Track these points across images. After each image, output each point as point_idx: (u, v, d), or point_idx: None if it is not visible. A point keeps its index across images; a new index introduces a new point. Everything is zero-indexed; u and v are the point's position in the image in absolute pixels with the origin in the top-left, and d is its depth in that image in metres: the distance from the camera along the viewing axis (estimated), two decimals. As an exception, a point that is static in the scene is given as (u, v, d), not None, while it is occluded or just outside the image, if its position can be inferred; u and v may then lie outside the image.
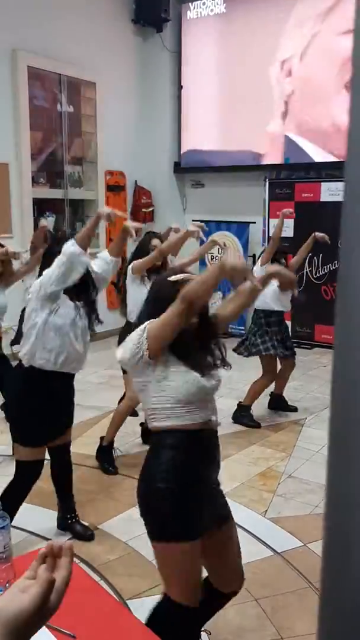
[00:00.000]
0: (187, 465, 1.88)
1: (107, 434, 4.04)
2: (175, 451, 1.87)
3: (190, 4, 7.64)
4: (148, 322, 1.84)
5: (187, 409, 1.87)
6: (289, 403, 5.01)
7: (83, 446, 4.26)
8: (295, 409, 5.00)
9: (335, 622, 0.64)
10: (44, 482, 3.59)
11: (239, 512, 3.33)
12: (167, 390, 1.86)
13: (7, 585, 1.56)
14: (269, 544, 3.05)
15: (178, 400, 1.86)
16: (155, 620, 1.86)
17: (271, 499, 3.50)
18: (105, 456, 3.98)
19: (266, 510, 3.38)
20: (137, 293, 3.80)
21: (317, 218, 6.72)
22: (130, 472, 3.86)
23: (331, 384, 0.66)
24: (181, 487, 1.85)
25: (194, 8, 7.61)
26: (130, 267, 3.94)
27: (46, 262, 2.75)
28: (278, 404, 5.02)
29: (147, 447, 4.06)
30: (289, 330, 5.11)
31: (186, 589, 1.87)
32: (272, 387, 4.94)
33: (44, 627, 1.42)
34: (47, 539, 3.06)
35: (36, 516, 3.20)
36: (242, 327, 7.43)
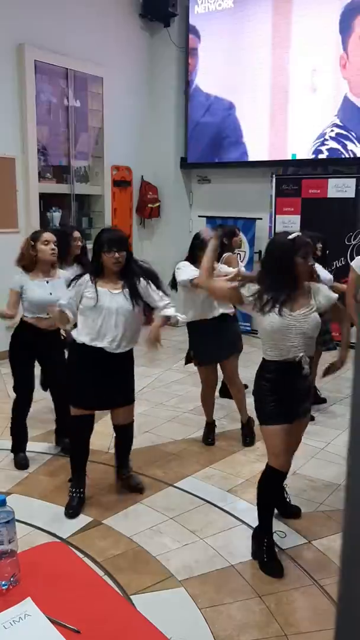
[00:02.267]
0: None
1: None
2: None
3: (197, -2, 7.61)
4: None
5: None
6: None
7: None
8: (324, 400, 5.12)
9: (353, 631, 0.63)
10: (49, 477, 3.61)
11: (244, 509, 3.34)
12: None
13: (11, 579, 1.56)
14: (283, 538, 3.04)
15: None
16: (260, 481, 2.86)
17: (276, 496, 3.50)
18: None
19: (271, 507, 3.37)
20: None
21: (324, 214, 6.71)
22: (135, 467, 3.86)
23: (352, 393, 0.65)
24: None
25: (202, 3, 7.58)
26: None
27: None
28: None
29: (146, 447, 4.07)
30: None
31: (277, 457, 2.77)
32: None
33: (48, 622, 1.42)
34: (52, 534, 3.07)
35: (41, 511, 3.21)
36: (248, 324, 7.43)
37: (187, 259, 4.21)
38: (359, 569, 0.62)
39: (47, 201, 6.71)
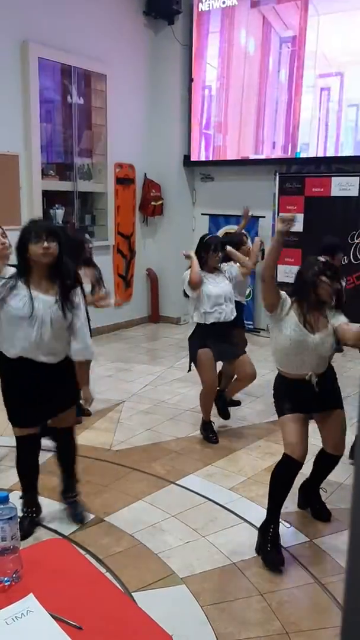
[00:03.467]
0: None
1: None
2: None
3: (201, -5, 7.60)
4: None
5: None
6: None
7: (90, 438, 4.28)
8: None
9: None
10: (51, 475, 3.61)
11: (245, 507, 3.34)
12: None
13: (13, 576, 1.57)
14: (288, 529, 3.04)
15: None
16: (274, 471, 2.92)
17: (278, 494, 3.50)
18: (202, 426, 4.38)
19: (272, 505, 3.37)
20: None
21: (328, 213, 6.70)
22: (137, 465, 3.87)
23: None
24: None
25: (206, 0, 7.57)
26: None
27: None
28: None
29: (148, 445, 4.07)
30: None
31: (291, 445, 2.85)
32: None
33: (50, 618, 1.43)
34: (54, 531, 3.07)
35: (43, 508, 3.21)
36: (250, 322, 7.43)
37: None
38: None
39: (50, 198, 6.71)
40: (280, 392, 3.03)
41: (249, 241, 5.20)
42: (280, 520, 2.94)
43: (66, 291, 2.83)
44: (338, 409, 3.05)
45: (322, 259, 2.87)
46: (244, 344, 4.81)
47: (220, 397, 4.56)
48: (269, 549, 2.85)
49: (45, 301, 2.78)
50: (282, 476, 2.89)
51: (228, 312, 4.22)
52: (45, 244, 2.72)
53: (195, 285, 4.09)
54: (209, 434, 4.32)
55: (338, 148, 6.76)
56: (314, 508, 3.27)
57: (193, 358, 4.24)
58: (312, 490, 3.29)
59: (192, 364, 4.28)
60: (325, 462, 3.16)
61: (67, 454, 3.23)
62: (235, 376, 4.50)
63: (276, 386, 3.07)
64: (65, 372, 2.97)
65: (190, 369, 4.35)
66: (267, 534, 2.87)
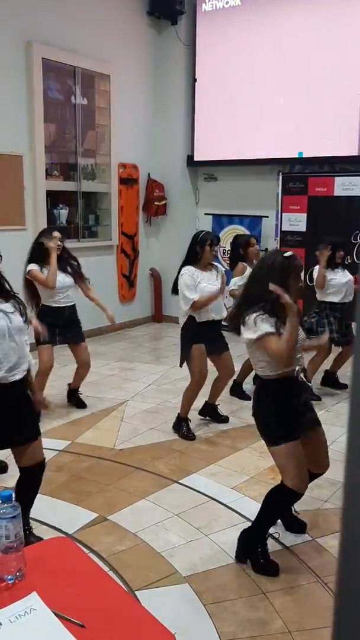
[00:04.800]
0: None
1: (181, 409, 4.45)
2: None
3: (205, -4, 7.60)
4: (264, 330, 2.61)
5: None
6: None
7: (94, 438, 4.29)
8: (345, 386, 5.31)
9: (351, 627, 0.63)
10: (55, 473, 3.63)
11: (249, 506, 3.35)
12: None
13: (17, 574, 1.58)
14: (278, 538, 3.06)
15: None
16: (270, 500, 2.79)
17: (280, 494, 3.51)
18: (177, 423, 4.42)
19: (275, 505, 3.38)
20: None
21: (331, 212, 6.70)
22: (140, 464, 3.89)
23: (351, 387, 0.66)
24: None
25: (209, 0, 7.57)
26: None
27: None
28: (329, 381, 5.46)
29: (152, 444, 4.08)
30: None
31: (292, 478, 2.68)
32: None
33: (53, 616, 1.44)
34: (57, 529, 3.09)
35: (47, 506, 3.22)
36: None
37: (187, 261, 4.28)
38: (357, 566, 0.63)
39: (54, 199, 6.73)
40: (267, 415, 2.76)
41: (257, 245, 5.30)
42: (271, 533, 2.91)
43: (16, 296, 2.73)
44: (319, 427, 2.88)
45: (287, 254, 2.73)
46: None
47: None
48: (262, 561, 2.79)
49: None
50: (283, 508, 2.91)
51: (221, 309, 4.34)
52: None
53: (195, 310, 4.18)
54: (186, 430, 4.36)
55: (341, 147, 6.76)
56: (287, 521, 3.13)
57: (187, 353, 4.28)
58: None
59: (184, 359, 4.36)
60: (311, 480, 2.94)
61: (32, 490, 2.88)
62: (217, 375, 4.56)
63: (259, 409, 2.81)
64: (24, 393, 2.76)
65: (182, 364, 4.40)
66: (257, 550, 2.81)
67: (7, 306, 2.63)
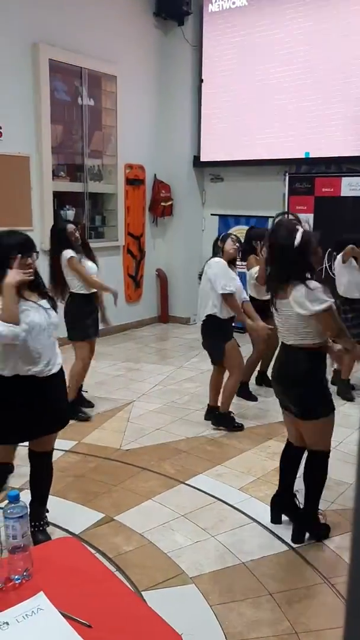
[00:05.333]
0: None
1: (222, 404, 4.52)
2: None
3: (211, -4, 7.60)
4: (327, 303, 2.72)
5: None
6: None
7: (100, 437, 4.30)
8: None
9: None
10: (61, 473, 3.64)
11: (255, 507, 3.35)
12: None
13: (24, 574, 1.59)
14: (285, 539, 3.05)
15: None
16: (315, 472, 2.98)
17: (287, 494, 3.50)
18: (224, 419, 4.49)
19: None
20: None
21: (338, 213, 6.68)
22: (146, 464, 3.89)
23: None
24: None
25: (216, 1, 7.56)
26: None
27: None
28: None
29: (158, 444, 4.08)
30: None
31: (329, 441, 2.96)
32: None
33: (60, 616, 1.44)
34: (64, 529, 3.09)
35: (53, 506, 3.23)
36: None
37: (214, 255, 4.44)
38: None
39: (60, 199, 6.74)
40: (324, 383, 2.91)
41: None
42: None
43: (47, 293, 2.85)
44: None
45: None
46: None
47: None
48: (324, 529, 3.06)
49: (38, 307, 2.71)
50: (326, 469, 3.03)
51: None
52: (29, 260, 2.65)
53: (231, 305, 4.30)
54: (236, 423, 4.49)
55: (348, 148, 6.74)
56: (292, 514, 3.19)
57: (222, 350, 4.35)
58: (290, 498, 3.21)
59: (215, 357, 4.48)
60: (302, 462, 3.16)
61: (49, 478, 3.02)
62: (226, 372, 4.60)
63: (318, 378, 2.89)
64: (62, 385, 2.92)
65: (217, 362, 4.49)
66: (317, 520, 3.06)
67: (45, 302, 2.72)
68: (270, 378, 5.07)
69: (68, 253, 4.38)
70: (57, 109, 6.57)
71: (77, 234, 4.54)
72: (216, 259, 4.33)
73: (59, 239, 4.47)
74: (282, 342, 2.97)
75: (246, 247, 5.16)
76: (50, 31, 6.25)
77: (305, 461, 3.05)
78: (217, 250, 4.38)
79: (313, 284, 2.74)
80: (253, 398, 5.07)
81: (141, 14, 7.51)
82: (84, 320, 4.50)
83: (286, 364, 2.94)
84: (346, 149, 6.70)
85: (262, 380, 5.43)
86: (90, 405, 4.86)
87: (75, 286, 4.45)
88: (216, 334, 4.35)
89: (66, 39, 6.42)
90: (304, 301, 2.73)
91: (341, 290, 5.15)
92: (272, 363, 5.07)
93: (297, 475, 3.16)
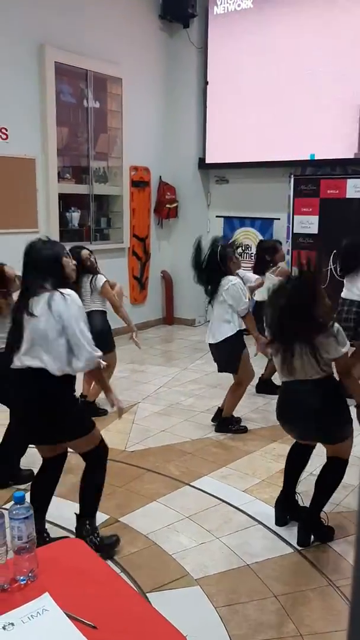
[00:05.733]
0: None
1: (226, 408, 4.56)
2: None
3: (217, -1, 7.62)
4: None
5: None
6: None
7: (105, 439, 4.29)
8: None
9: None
10: (66, 475, 3.63)
11: (260, 509, 3.35)
12: None
13: (29, 575, 1.59)
14: (290, 541, 3.05)
15: None
16: (328, 477, 3.04)
17: (292, 497, 3.50)
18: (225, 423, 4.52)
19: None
20: None
21: (343, 215, 6.67)
22: (151, 466, 3.89)
23: None
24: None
25: (221, 3, 7.58)
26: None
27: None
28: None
29: (163, 446, 4.07)
30: None
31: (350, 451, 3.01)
32: None
33: (65, 617, 1.45)
34: (69, 530, 3.10)
35: (58, 508, 3.23)
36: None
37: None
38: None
39: (66, 201, 6.76)
40: (344, 411, 2.92)
41: (283, 249, 5.37)
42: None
43: None
44: None
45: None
46: None
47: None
48: (327, 531, 3.07)
49: None
50: (342, 476, 3.08)
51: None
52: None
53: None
54: (239, 426, 4.53)
55: (353, 150, 6.73)
56: (294, 513, 3.21)
57: (239, 361, 4.41)
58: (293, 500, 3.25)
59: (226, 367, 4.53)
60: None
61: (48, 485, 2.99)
62: (236, 383, 4.58)
63: (337, 403, 2.91)
64: None
65: (237, 371, 4.50)
66: (322, 523, 3.06)
67: None
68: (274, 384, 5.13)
69: (102, 278, 4.63)
70: (63, 111, 6.59)
71: (92, 258, 4.65)
72: (231, 278, 4.34)
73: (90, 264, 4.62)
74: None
75: (259, 263, 5.23)
76: (56, 34, 6.27)
77: (323, 466, 3.08)
78: (222, 265, 4.34)
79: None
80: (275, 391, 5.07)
81: (146, 16, 7.53)
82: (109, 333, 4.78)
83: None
84: (351, 151, 6.70)
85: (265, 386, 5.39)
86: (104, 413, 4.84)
87: (98, 303, 4.68)
88: (234, 347, 4.38)
89: (72, 42, 6.44)
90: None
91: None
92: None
93: (303, 477, 3.16)
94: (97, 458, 2.87)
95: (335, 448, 3.01)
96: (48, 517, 3.12)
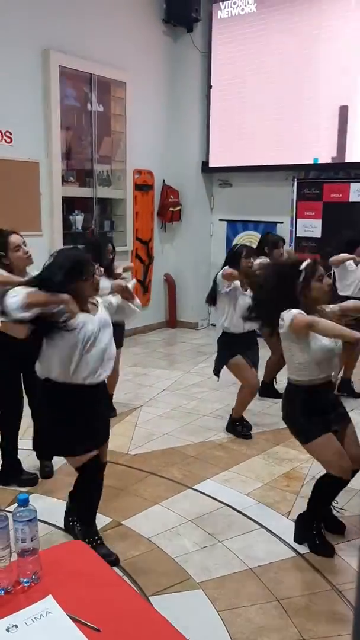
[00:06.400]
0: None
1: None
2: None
3: (220, 3, 7.63)
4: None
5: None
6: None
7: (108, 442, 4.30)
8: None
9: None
10: (68, 477, 3.64)
11: (262, 512, 3.35)
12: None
13: (33, 577, 1.60)
14: (292, 545, 3.05)
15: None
16: (318, 488, 2.95)
17: (294, 500, 3.50)
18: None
19: (289, 511, 3.37)
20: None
21: (346, 218, 6.68)
22: (154, 469, 3.89)
23: None
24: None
25: (225, 8, 7.60)
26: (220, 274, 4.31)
27: None
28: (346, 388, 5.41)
29: (165, 449, 4.08)
30: None
31: (339, 466, 2.84)
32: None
33: (69, 619, 1.45)
34: (72, 533, 3.10)
35: (61, 511, 3.24)
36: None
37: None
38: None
39: (70, 204, 6.78)
40: (305, 412, 2.87)
41: (284, 247, 5.36)
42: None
43: None
44: (351, 421, 3.03)
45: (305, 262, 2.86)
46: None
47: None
48: (317, 542, 2.99)
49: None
50: (332, 493, 2.99)
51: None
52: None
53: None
54: (245, 429, 4.51)
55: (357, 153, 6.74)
56: (328, 522, 3.18)
57: (222, 366, 4.44)
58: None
59: (219, 371, 4.52)
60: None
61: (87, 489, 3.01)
62: (240, 387, 4.56)
63: (297, 408, 2.90)
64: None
65: (218, 378, 4.55)
66: (313, 530, 3.01)
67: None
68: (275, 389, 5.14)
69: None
70: (67, 115, 6.62)
71: (111, 256, 4.72)
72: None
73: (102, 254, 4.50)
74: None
75: (257, 250, 5.15)
76: (61, 38, 6.30)
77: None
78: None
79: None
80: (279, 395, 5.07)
81: (150, 20, 7.55)
82: None
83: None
84: (355, 155, 6.71)
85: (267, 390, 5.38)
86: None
87: None
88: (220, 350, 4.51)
89: (76, 46, 6.46)
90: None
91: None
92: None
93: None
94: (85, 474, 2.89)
95: (309, 450, 2.96)
96: (51, 519, 3.13)
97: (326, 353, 2.80)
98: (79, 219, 6.87)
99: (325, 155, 6.95)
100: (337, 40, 6.69)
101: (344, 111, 6.74)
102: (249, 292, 4.18)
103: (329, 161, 6.92)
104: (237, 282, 4.26)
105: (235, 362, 4.40)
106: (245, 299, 4.16)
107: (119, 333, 4.53)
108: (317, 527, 3.00)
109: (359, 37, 6.53)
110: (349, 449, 2.92)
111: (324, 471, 3.10)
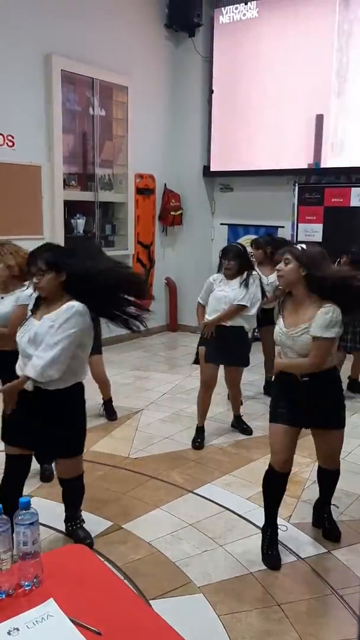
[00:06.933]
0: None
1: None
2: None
3: (222, 8, 7.65)
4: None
5: None
6: None
7: (108, 446, 4.31)
8: None
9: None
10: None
11: (263, 517, 3.33)
12: None
13: (34, 580, 1.60)
14: (293, 550, 3.04)
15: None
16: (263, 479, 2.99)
17: (295, 505, 3.50)
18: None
19: (290, 516, 3.37)
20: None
21: (347, 223, 6.69)
22: (155, 473, 3.89)
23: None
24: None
25: (226, 13, 7.63)
26: None
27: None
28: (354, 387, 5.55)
29: (166, 453, 4.07)
30: None
31: (274, 454, 2.91)
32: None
33: (70, 623, 1.45)
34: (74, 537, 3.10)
35: (62, 514, 3.23)
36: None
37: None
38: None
39: (71, 208, 6.79)
40: (274, 397, 2.99)
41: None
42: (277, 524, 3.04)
43: None
44: (331, 430, 2.94)
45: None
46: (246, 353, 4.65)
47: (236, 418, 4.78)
48: (266, 551, 2.95)
49: None
50: (267, 485, 2.99)
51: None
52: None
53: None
54: (196, 439, 4.40)
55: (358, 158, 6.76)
56: (324, 527, 3.19)
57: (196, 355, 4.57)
58: (322, 508, 3.24)
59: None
60: (322, 477, 3.16)
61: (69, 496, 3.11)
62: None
63: (274, 386, 3.08)
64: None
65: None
66: (265, 538, 2.99)
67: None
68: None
69: None
70: (69, 119, 6.64)
71: None
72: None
73: None
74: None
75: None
76: (63, 42, 6.32)
77: None
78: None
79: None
80: None
81: (152, 25, 7.58)
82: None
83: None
84: (356, 160, 6.72)
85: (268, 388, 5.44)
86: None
87: None
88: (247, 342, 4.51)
89: (78, 50, 6.49)
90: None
91: None
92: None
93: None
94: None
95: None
96: (53, 523, 3.13)
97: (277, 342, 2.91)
98: (80, 222, 6.89)
99: (327, 159, 6.95)
100: (338, 43, 6.70)
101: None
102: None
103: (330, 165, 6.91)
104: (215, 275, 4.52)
105: (200, 352, 4.48)
106: (221, 292, 4.43)
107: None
108: (270, 536, 2.98)
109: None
110: (321, 449, 3.03)
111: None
